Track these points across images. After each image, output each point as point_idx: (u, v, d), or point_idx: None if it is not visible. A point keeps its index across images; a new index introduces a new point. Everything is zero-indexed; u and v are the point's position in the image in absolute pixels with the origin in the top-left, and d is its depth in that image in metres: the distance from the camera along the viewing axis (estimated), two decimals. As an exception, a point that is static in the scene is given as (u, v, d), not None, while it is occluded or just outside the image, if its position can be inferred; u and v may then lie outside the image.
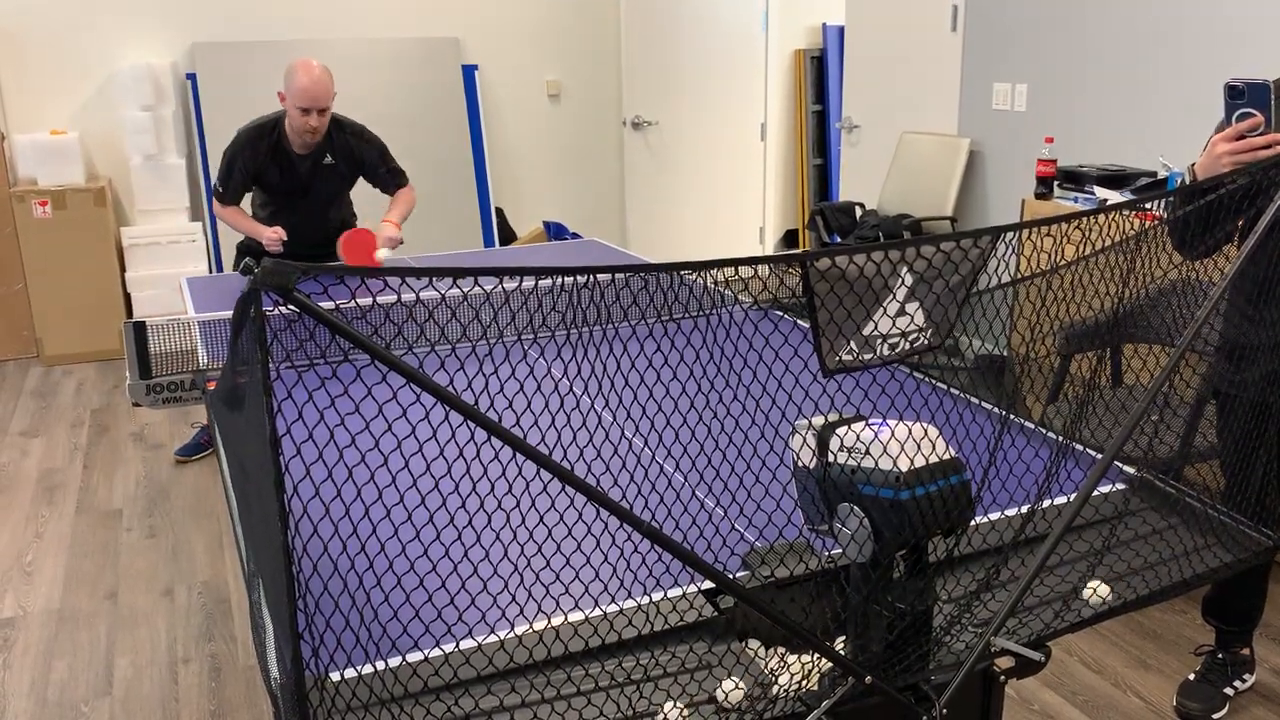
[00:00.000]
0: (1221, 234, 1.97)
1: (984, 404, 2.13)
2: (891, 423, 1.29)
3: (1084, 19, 4.39)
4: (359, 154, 3.82)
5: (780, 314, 2.82)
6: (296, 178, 3.76)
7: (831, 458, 1.29)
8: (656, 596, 1.46)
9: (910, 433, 1.26)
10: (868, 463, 1.25)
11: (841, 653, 1.26)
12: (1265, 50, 3.70)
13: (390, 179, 3.91)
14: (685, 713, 1.23)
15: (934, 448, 1.27)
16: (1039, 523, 1.63)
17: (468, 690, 1.27)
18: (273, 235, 3.65)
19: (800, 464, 1.34)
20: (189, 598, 3.16)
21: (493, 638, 1.37)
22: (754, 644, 1.38)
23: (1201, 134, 3.98)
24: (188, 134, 5.83)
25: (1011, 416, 1.81)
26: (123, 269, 5.59)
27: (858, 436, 1.27)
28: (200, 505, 3.79)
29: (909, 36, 5.34)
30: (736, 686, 1.27)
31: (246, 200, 3.90)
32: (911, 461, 1.24)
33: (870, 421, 1.30)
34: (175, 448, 4.25)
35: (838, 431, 1.29)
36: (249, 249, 3.96)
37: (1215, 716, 2.47)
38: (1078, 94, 4.47)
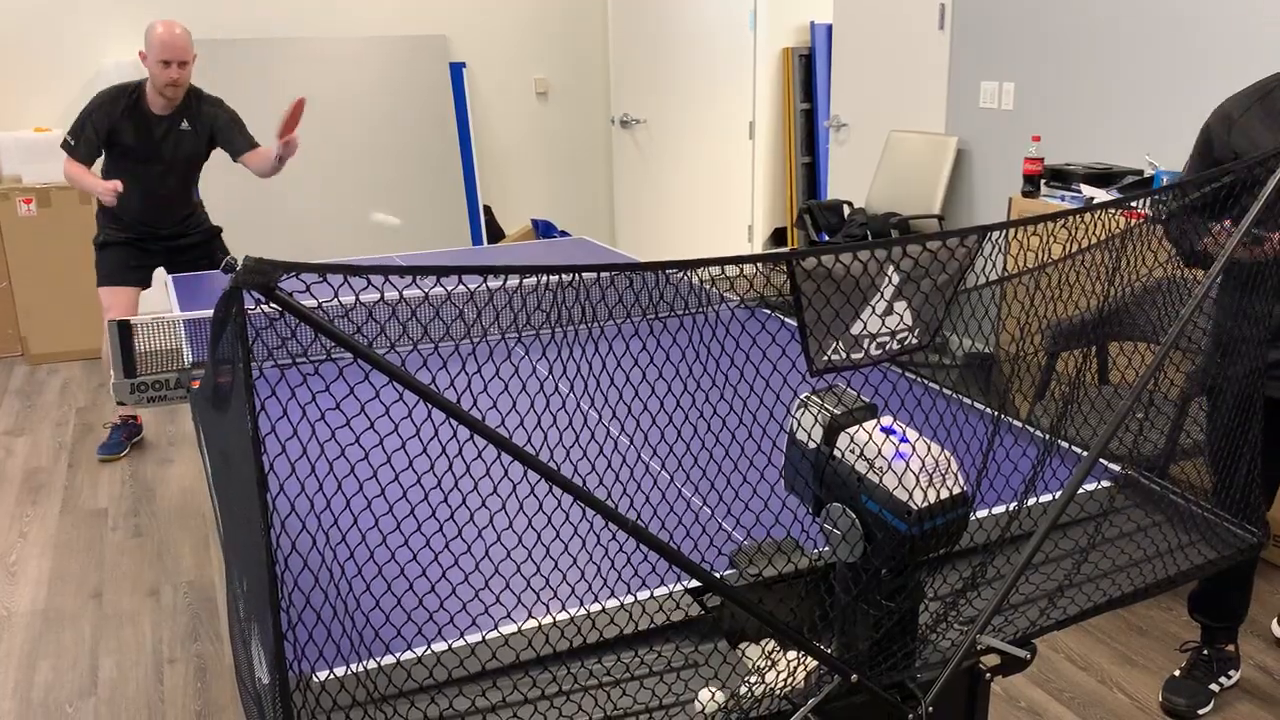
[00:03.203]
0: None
1: (970, 400, 2.14)
2: (911, 436, 1.24)
3: (1071, 18, 4.40)
4: (214, 120, 3.92)
5: (768, 312, 2.82)
6: (151, 138, 3.82)
7: (839, 452, 1.26)
8: (642, 595, 1.45)
9: (926, 463, 1.21)
10: (876, 478, 1.21)
11: (828, 651, 1.26)
12: (1250, 49, 3.71)
13: (246, 144, 3.95)
14: (721, 699, 1.23)
15: (953, 480, 1.22)
16: (1024, 520, 1.63)
17: (456, 690, 1.27)
18: (107, 186, 3.62)
19: (799, 437, 1.30)
20: (175, 598, 3.14)
21: (477, 637, 1.36)
22: (751, 650, 1.38)
23: (1187, 132, 4.00)
24: (173, 131, 5.80)
25: (1001, 416, 1.81)
26: (108, 267, 5.57)
27: (872, 439, 1.23)
28: (186, 505, 3.77)
29: (897, 35, 5.35)
30: (714, 696, 1.26)
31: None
32: (928, 496, 1.19)
33: (886, 426, 1.25)
34: (97, 447, 4.25)
35: (849, 430, 1.25)
36: (102, 223, 3.99)
37: (1201, 712, 2.48)
38: (1065, 92, 4.48)
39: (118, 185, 3.63)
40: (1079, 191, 4.04)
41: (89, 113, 3.76)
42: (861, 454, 1.23)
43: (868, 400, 1.30)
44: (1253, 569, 2.49)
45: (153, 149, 3.85)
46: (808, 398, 1.31)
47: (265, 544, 1.00)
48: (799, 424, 1.29)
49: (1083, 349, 2.81)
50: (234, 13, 5.85)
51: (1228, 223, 1.90)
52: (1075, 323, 2.84)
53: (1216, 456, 1.74)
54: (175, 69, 3.69)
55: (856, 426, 1.25)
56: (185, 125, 3.87)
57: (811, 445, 1.28)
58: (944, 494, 1.21)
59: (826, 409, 1.28)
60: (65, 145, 3.78)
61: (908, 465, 1.21)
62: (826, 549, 1.51)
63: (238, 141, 3.95)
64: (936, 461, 1.22)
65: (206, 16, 5.80)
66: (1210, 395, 2.28)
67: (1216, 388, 2.23)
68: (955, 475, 1.23)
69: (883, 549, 1.21)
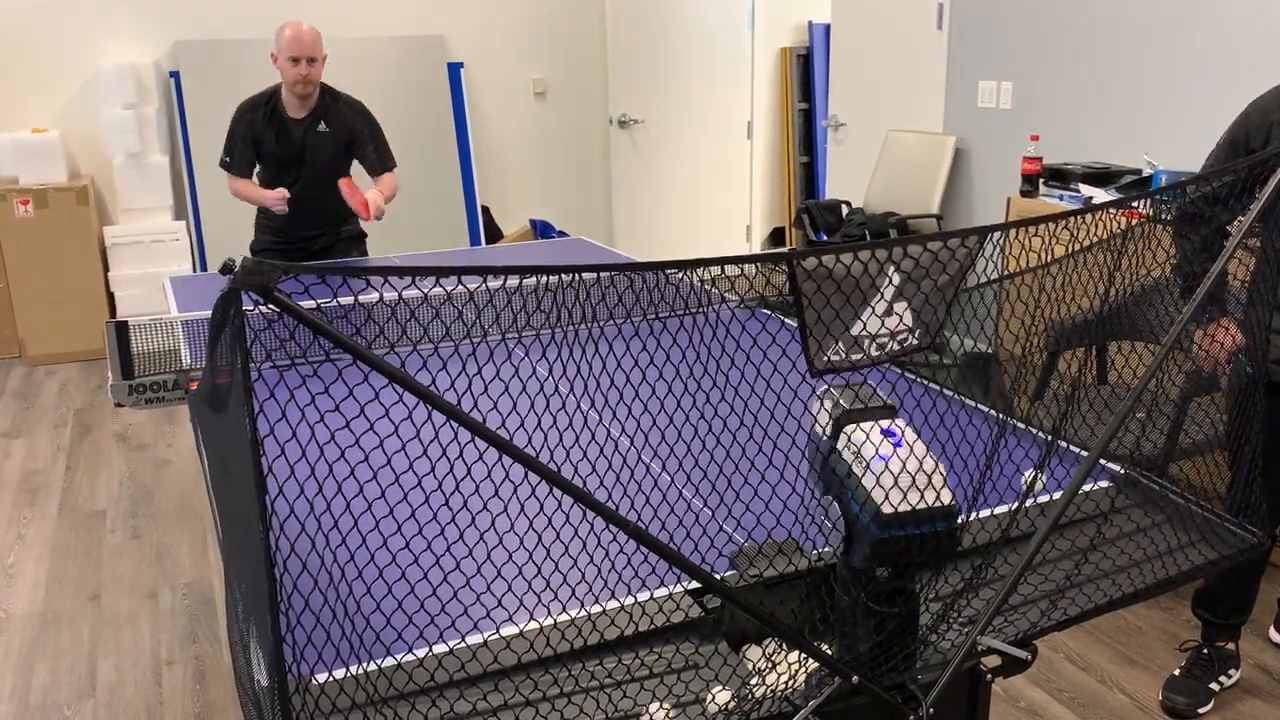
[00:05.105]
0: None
1: (970, 401, 2.13)
2: (910, 439, 1.24)
3: (1069, 17, 4.40)
4: (352, 124, 3.84)
5: (767, 313, 2.81)
6: (292, 143, 3.75)
7: (839, 447, 1.26)
8: (643, 597, 1.45)
9: (909, 465, 1.21)
10: (859, 475, 1.22)
11: (829, 652, 1.25)
12: (1249, 48, 3.71)
13: (378, 160, 3.89)
14: (671, 713, 1.23)
15: (934, 490, 1.22)
16: (1024, 520, 1.63)
17: (457, 692, 1.26)
18: (277, 195, 3.64)
19: (815, 426, 1.31)
20: (173, 599, 3.14)
21: (477, 639, 1.36)
22: (751, 652, 1.37)
23: (1185, 131, 4.00)
24: (171, 132, 5.79)
25: (1002, 418, 1.81)
26: (106, 268, 5.56)
27: (869, 439, 1.23)
28: (184, 506, 3.76)
29: (895, 34, 5.34)
30: (714, 698, 1.26)
31: None
32: (905, 501, 1.20)
33: (887, 429, 1.25)
34: (159, 447, 4.19)
35: (847, 428, 1.26)
36: (259, 230, 3.95)
37: (1201, 711, 2.48)
38: (1063, 92, 4.47)
39: (284, 193, 3.63)
40: (1077, 191, 4.03)
41: (234, 127, 3.74)
42: (858, 452, 1.24)
43: (886, 400, 1.29)
44: (1261, 567, 2.49)
45: (294, 154, 3.77)
46: (829, 389, 1.31)
47: (264, 545, 0.99)
48: (814, 413, 1.30)
49: (1083, 349, 2.80)
50: (231, 13, 5.84)
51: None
52: (1076, 322, 2.83)
53: (1236, 456, 1.72)
54: (305, 65, 3.64)
55: (855, 425, 1.26)
56: (323, 127, 3.78)
57: (822, 435, 1.28)
58: (921, 504, 1.20)
59: (840, 403, 1.28)
60: (223, 164, 3.78)
61: (887, 467, 1.21)
62: (826, 550, 1.50)
63: (372, 158, 3.88)
64: (921, 468, 1.22)
65: (203, 18, 5.79)
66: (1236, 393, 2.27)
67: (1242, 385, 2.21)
68: (941, 487, 1.22)
69: (858, 547, 1.21)
